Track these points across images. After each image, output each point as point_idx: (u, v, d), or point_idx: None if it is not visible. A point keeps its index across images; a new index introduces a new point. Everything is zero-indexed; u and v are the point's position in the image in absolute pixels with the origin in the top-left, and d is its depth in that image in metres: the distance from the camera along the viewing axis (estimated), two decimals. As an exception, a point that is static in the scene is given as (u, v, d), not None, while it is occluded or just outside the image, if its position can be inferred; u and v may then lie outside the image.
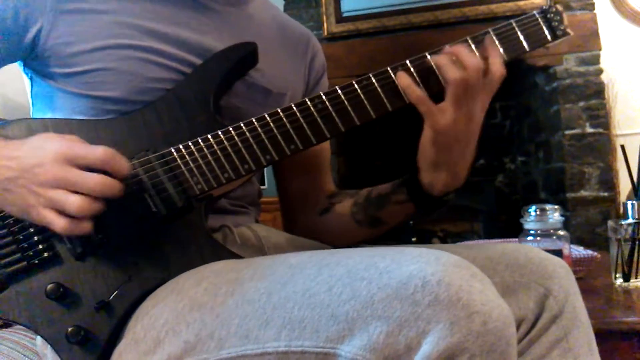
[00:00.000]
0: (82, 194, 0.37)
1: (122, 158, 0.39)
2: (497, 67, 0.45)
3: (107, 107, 0.46)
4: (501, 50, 0.48)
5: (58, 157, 0.37)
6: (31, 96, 0.52)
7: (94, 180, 0.37)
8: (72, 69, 0.46)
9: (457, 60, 0.44)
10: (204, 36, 0.51)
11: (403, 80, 0.45)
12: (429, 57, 0.46)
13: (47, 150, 0.38)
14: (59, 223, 0.37)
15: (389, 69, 0.46)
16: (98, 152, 0.38)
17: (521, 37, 0.49)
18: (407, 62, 0.46)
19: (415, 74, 0.46)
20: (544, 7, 0.51)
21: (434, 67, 0.45)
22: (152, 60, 0.47)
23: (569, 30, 0.51)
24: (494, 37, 0.48)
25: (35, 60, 0.47)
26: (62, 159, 0.37)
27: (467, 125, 0.45)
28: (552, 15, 0.50)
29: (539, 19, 0.50)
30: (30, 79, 0.51)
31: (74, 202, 0.36)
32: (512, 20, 0.49)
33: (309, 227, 0.59)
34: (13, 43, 0.46)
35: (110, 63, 0.46)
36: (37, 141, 0.39)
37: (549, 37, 0.50)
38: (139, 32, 0.47)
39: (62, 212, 0.37)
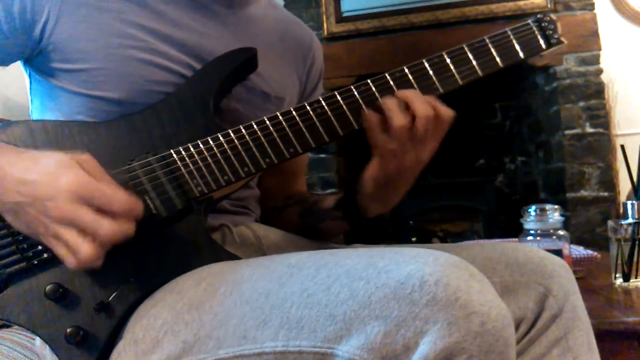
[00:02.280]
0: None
1: (140, 204, 0.37)
2: (446, 111, 0.45)
3: (106, 108, 0.46)
4: (497, 59, 0.49)
5: (72, 194, 0.35)
6: (30, 94, 0.52)
7: (108, 229, 0.35)
8: (74, 65, 0.46)
9: (407, 106, 0.44)
10: (206, 39, 0.51)
11: (371, 119, 0.44)
12: (379, 100, 0.45)
13: (61, 183, 0.35)
14: (69, 261, 0.36)
15: (387, 74, 0.47)
16: (118, 204, 0.36)
17: (516, 46, 0.50)
18: (392, 84, 0.46)
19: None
20: (539, 16, 0.52)
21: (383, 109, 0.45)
22: (155, 62, 0.47)
23: (562, 39, 0.52)
24: (490, 45, 0.49)
25: (39, 56, 0.47)
26: (77, 197, 0.35)
27: (412, 169, 0.46)
28: (546, 24, 0.51)
29: (534, 28, 0.51)
30: (30, 76, 0.51)
31: (85, 250, 0.35)
32: (507, 29, 0.50)
33: (267, 222, 0.61)
34: (22, 38, 0.45)
35: (112, 63, 0.46)
36: (51, 165, 0.36)
37: (543, 45, 0.51)
38: (143, 33, 0.47)
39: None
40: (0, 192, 0.37)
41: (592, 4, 1.71)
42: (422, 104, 0.44)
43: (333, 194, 0.55)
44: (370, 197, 0.49)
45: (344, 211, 0.53)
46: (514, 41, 0.50)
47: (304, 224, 0.57)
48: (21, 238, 0.40)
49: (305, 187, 0.65)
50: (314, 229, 0.56)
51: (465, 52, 0.48)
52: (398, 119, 0.43)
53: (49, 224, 0.36)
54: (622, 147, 0.84)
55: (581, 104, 1.71)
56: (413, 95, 0.44)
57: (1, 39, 0.45)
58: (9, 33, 0.45)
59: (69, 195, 0.35)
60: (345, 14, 1.83)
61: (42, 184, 0.36)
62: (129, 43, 0.47)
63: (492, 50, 0.49)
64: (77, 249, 0.35)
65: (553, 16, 0.52)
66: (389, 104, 0.44)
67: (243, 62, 0.49)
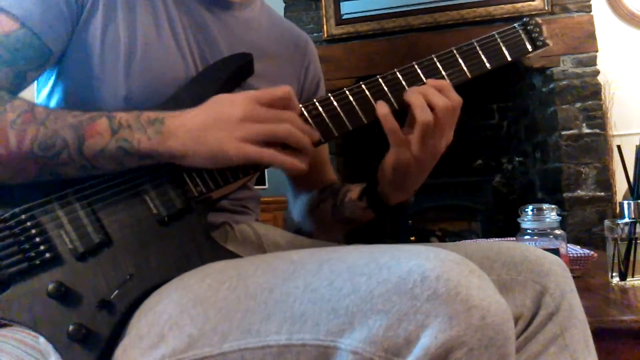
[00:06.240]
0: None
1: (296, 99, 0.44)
2: (455, 97, 0.47)
3: (112, 105, 0.46)
4: (485, 61, 0.50)
5: (248, 97, 0.42)
6: (37, 91, 0.52)
7: (281, 113, 0.42)
8: (92, 53, 0.46)
9: (427, 101, 0.46)
10: (209, 41, 0.52)
11: (381, 109, 0.47)
12: (406, 90, 0.48)
13: (236, 95, 0.42)
14: (267, 153, 0.41)
15: (379, 77, 0.48)
16: (279, 91, 0.43)
17: (503, 48, 0.52)
18: (385, 87, 0.48)
19: (392, 100, 0.47)
20: (525, 20, 0.54)
21: (408, 103, 0.47)
22: (166, 62, 0.48)
23: (548, 41, 0.53)
24: (478, 48, 0.50)
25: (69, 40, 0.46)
26: (251, 99, 0.42)
27: (429, 158, 0.48)
28: (532, 27, 0.53)
29: (520, 31, 0.53)
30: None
31: (280, 128, 0.41)
32: (494, 32, 0.52)
33: (306, 219, 0.64)
34: (71, 23, 0.45)
35: (131, 56, 0.46)
36: (222, 96, 0.43)
37: (529, 47, 0.53)
38: (161, 31, 0.48)
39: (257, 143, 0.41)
40: (177, 129, 0.41)
41: (589, 6, 1.73)
42: (441, 98, 0.46)
43: (359, 185, 0.57)
44: (390, 185, 0.51)
45: (368, 200, 0.54)
46: (501, 44, 0.51)
47: (338, 217, 0.59)
48: (23, 238, 0.41)
49: (334, 175, 0.66)
50: (348, 218, 0.58)
51: (455, 55, 0.50)
52: (423, 115, 0.45)
53: (233, 127, 0.40)
54: (619, 147, 0.85)
55: (578, 105, 1.72)
56: (430, 90, 0.46)
57: (58, 19, 0.45)
58: (66, 12, 0.45)
59: (245, 98, 0.42)
60: (345, 17, 1.84)
61: (220, 101, 0.42)
62: (148, 39, 0.48)
63: (480, 53, 0.50)
64: (261, 130, 0.41)
65: (539, 19, 0.54)
66: (414, 99, 0.46)
67: (239, 67, 0.49)
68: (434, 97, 0.45)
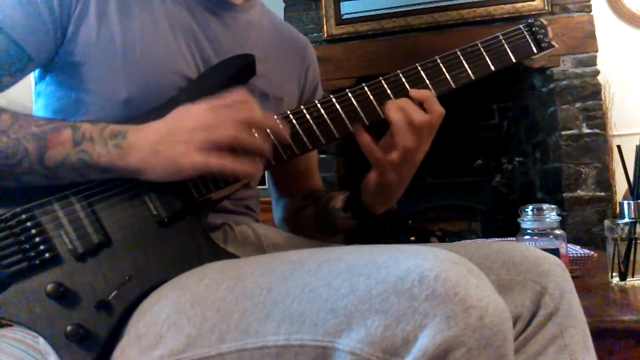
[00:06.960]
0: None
1: (253, 100, 0.42)
2: (436, 109, 0.46)
3: (112, 108, 0.46)
4: (490, 63, 0.50)
5: (207, 106, 0.41)
6: (35, 95, 0.52)
7: (234, 113, 0.40)
8: (90, 58, 0.46)
9: (407, 118, 0.45)
10: (212, 43, 0.52)
11: (363, 139, 0.47)
12: (386, 109, 0.47)
13: (195, 106, 0.41)
14: (215, 161, 0.39)
15: (381, 79, 0.48)
16: (235, 95, 0.41)
17: (508, 50, 0.51)
18: (387, 89, 0.47)
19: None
20: (530, 21, 0.53)
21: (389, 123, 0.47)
22: (167, 64, 0.48)
23: (553, 42, 0.53)
24: (482, 50, 0.50)
25: (60, 48, 0.46)
26: (210, 107, 0.41)
27: (408, 172, 0.49)
28: (537, 28, 0.52)
29: (525, 32, 0.52)
30: (35, 75, 0.51)
31: (225, 132, 0.39)
32: (499, 34, 0.51)
33: (288, 223, 0.65)
34: (55, 26, 0.45)
35: (129, 57, 0.46)
36: (181, 108, 0.42)
37: (534, 49, 0.52)
38: (161, 31, 0.48)
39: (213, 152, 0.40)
40: (134, 144, 0.40)
41: (589, 6, 1.72)
42: (420, 113, 0.45)
43: (342, 193, 0.57)
44: (373, 199, 0.52)
45: (352, 210, 0.54)
46: (506, 45, 0.51)
47: (320, 224, 0.59)
48: (23, 238, 0.41)
49: (320, 181, 0.67)
50: (330, 226, 0.58)
51: (458, 57, 0.49)
52: (404, 139, 0.45)
53: (190, 137, 0.39)
54: (619, 147, 0.85)
55: (578, 105, 1.72)
56: (411, 108, 0.46)
57: (39, 25, 0.44)
58: (48, 18, 0.45)
59: (204, 108, 0.40)
60: (345, 17, 1.84)
61: (178, 115, 0.41)
62: (146, 39, 0.47)
63: (485, 54, 0.50)
64: (218, 137, 0.40)
65: (544, 20, 0.53)
66: (395, 120, 0.45)
67: (241, 68, 0.49)
68: (413, 113, 0.45)
